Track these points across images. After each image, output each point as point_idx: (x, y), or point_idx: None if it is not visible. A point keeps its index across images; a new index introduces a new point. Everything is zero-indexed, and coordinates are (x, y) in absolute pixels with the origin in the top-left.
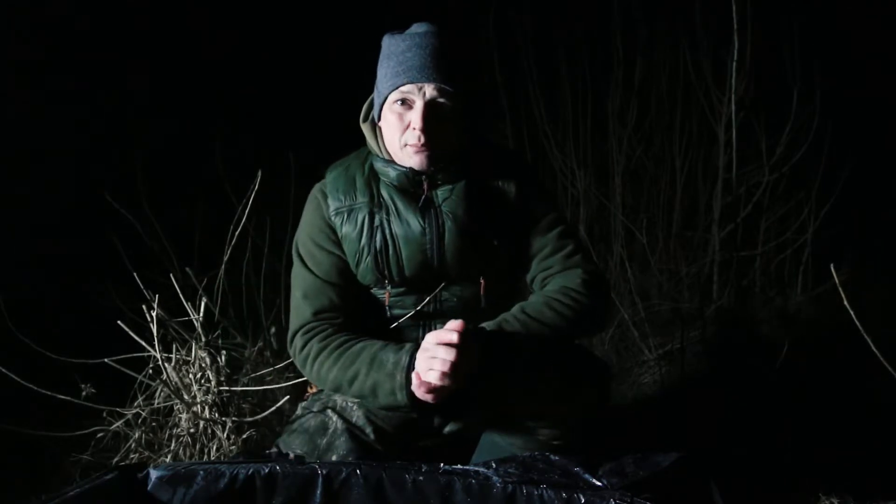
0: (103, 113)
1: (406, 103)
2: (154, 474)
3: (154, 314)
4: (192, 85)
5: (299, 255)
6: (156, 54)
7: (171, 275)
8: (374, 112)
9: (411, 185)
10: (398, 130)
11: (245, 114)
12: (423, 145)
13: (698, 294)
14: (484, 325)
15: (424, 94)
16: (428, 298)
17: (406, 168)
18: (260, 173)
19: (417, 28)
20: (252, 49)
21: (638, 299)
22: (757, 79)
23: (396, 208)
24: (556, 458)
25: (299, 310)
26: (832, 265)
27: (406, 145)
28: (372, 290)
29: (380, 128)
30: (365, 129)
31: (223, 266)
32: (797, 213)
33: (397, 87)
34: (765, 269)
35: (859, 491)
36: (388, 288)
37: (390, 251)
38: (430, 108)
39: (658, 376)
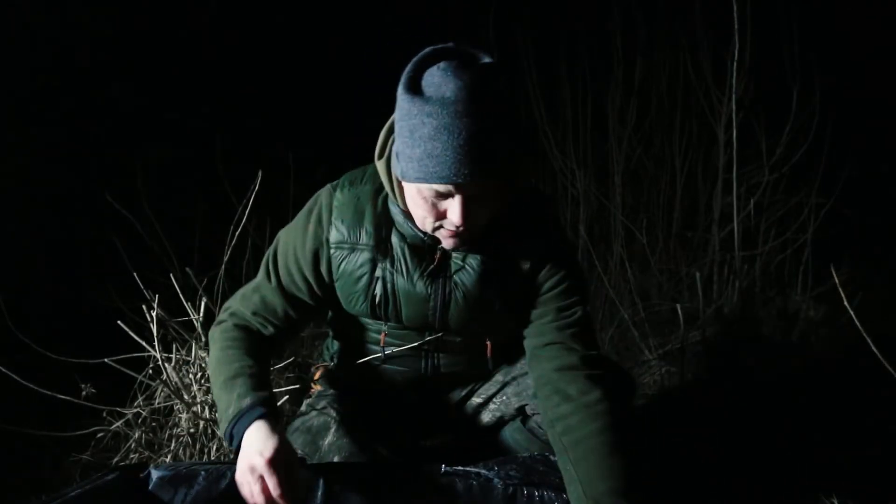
0: (103, 112)
1: (439, 194)
2: (155, 474)
3: (154, 314)
4: (192, 85)
5: (275, 256)
6: (156, 54)
7: (171, 275)
8: (397, 175)
9: (425, 248)
10: (430, 214)
11: (245, 114)
12: (461, 233)
13: (698, 294)
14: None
15: (462, 188)
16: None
17: (426, 235)
18: (260, 173)
19: (442, 86)
20: (252, 49)
21: (638, 299)
22: (757, 79)
23: (405, 264)
24: (557, 459)
25: (245, 298)
26: (832, 265)
27: (440, 228)
28: (366, 321)
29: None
30: (380, 167)
31: (223, 266)
32: (797, 213)
33: (427, 183)
34: (765, 269)
35: (859, 491)
36: (385, 328)
37: (390, 305)
38: (469, 202)
39: (658, 376)
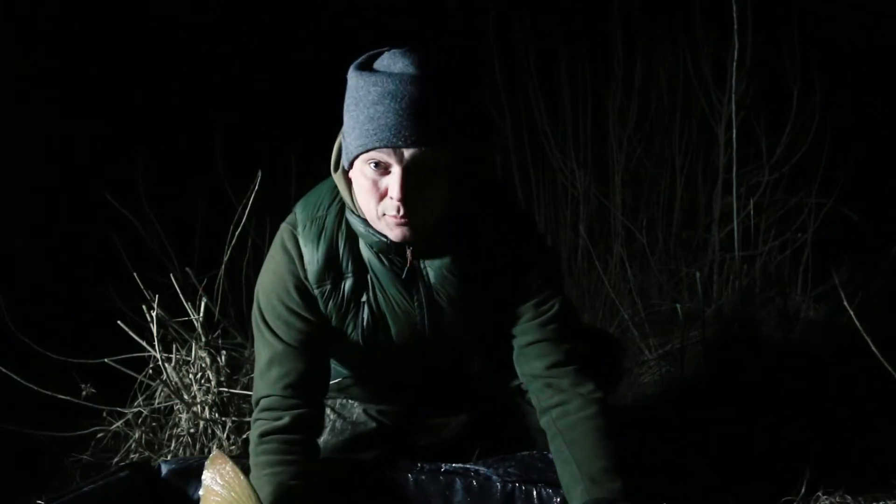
0: (103, 112)
1: (380, 166)
2: (166, 467)
3: (154, 314)
4: (192, 84)
5: (264, 319)
6: (156, 53)
7: (171, 275)
8: (344, 162)
9: (393, 253)
10: (373, 197)
11: (245, 113)
12: (403, 217)
13: (698, 294)
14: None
15: (402, 157)
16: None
17: (386, 238)
18: (260, 173)
19: (391, 64)
20: (253, 48)
21: (638, 299)
22: (757, 79)
23: (380, 281)
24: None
25: (264, 377)
26: (832, 265)
27: (384, 215)
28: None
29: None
30: (337, 178)
31: (223, 266)
32: (797, 213)
33: (368, 150)
34: (765, 269)
35: (858, 490)
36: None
37: (379, 329)
38: (409, 173)
39: (658, 376)
